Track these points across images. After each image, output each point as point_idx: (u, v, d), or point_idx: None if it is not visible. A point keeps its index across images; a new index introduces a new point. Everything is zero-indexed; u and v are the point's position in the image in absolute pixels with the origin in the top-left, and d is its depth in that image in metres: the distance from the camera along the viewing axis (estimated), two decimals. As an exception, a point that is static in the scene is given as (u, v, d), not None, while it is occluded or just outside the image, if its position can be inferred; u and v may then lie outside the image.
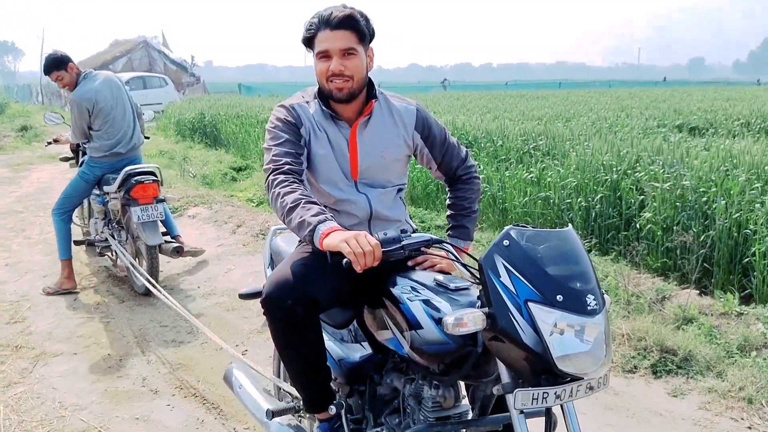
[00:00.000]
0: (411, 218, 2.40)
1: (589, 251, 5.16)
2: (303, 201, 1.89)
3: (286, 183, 1.97)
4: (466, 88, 36.41)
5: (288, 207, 1.90)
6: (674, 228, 4.81)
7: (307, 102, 2.17)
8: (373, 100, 2.15)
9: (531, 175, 6.46)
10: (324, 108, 2.14)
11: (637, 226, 5.16)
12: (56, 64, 4.66)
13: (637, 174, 5.60)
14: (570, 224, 1.78)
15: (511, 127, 8.98)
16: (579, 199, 5.66)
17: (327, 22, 2.03)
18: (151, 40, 33.41)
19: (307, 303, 1.92)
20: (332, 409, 2.13)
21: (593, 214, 5.54)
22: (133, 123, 4.97)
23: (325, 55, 2.06)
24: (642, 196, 5.34)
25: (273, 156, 2.06)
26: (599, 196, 5.53)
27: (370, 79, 2.16)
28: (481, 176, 6.69)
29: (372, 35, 2.12)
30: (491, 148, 7.99)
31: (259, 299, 2.01)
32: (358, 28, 2.05)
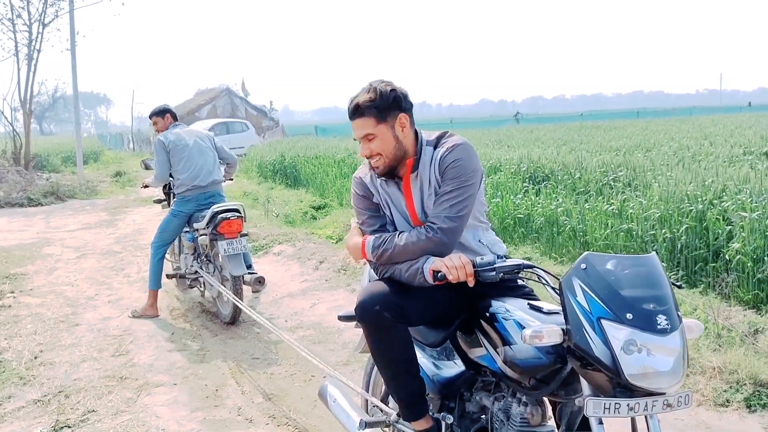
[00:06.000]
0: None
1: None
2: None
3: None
4: (539, 121, 36.00)
5: (389, 271, 2.24)
6: (765, 259, 4.65)
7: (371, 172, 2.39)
8: (412, 158, 2.28)
9: (612, 207, 6.38)
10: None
11: (726, 257, 5.01)
12: (158, 112, 5.58)
13: (723, 204, 5.46)
14: (654, 252, 1.89)
15: (588, 158, 8.92)
16: (663, 231, 5.55)
17: (348, 113, 2.28)
18: (233, 87, 35.04)
19: (393, 309, 2.14)
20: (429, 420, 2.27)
21: (679, 246, 5.40)
22: (212, 162, 5.50)
23: (358, 140, 2.31)
24: (730, 227, 5.19)
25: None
26: (684, 227, 5.39)
27: (417, 132, 2.32)
28: (560, 209, 6.70)
29: (398, 104, 2.24)
30: (569, 181, 7.96)
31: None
32: (370, 113, 2.22)
